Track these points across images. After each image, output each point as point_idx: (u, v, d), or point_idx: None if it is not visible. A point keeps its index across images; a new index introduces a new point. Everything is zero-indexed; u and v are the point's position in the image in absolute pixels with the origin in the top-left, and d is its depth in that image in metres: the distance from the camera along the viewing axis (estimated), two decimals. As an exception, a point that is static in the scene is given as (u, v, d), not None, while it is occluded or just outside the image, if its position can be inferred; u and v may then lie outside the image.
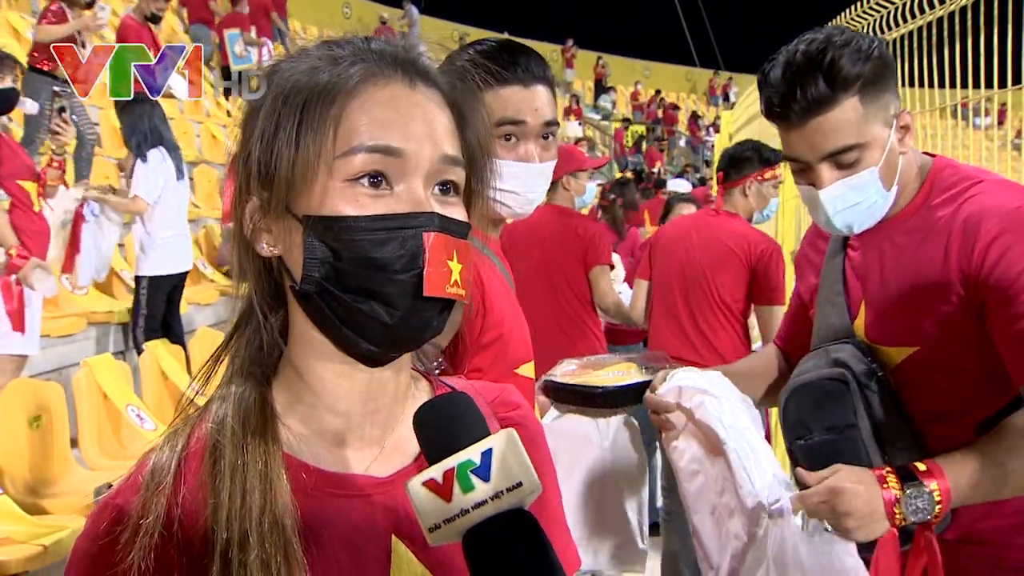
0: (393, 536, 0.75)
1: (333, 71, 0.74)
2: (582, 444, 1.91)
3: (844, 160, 1.38)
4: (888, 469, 1.32)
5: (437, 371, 0.91)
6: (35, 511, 3.42)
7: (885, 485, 1.30)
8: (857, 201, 1.40)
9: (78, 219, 4.86)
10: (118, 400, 4.18)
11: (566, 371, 1.81)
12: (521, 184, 1.44)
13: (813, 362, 1.54)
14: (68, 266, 4.93)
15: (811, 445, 1.46)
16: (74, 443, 4.05)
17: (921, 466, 1.30)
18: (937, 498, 1.28)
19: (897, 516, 1.29)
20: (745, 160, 3.33)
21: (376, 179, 0.72)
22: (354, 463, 0.77)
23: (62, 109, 4.17)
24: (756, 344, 3.36)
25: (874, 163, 1.38)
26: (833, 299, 1.55)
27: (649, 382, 1.73)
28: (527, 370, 1.50)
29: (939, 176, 1.43)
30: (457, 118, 0.78)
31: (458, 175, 0.76)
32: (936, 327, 1.37)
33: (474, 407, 0.67)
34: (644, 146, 19.62)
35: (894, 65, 1.42)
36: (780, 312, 3.09)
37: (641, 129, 22.02)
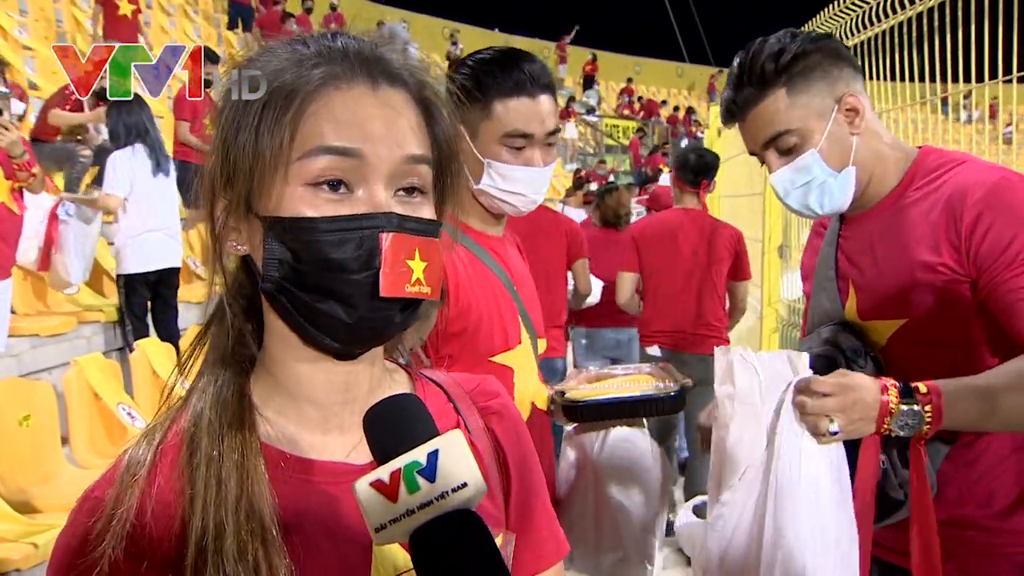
0: None
1: (296, 72, 0.74)
2: (582, 455, 1.89)
3: (782, 145, 1.52)
4: (892, 382, 1.34)
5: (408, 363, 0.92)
6: (26, 510, 3.42)
7: (886, 394, 1.33)
8: (805, 181, 1.52)
9: (52, 220, 4.84)
10: (109, 399, 4.18)
11: (580, 379, 1.82)
12: (526, 186, 1.56)
13: (807, 345, 1.60)
14: (44, 265, 4.92)
15: None
16: (65, 442, 4.05)
17: (923, 387, 1.33)
18: (927, 418, 1.32)
19: (885, 425, 1.33)
20: (716, 168, 4.17)
21: (335, 184, 0.72)
22: (334, 451, 0.78)
23: None
24: None
25: (814, 146, 1.50)
26: (825, 284, 1.62)
27: (627, 397, 1.73)
28: (506, 358, 1.57)
29: (924, 161, 1.51)
30: (425, 115, 0.78)
31: (423, 174, 0.76)
32: (923, 298, 1.44)
33: (423, 407, 0.67)
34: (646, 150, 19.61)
35: (837, 54, 1.52)
36: (746, 285, 4.09)
37: (635, 125, 22.04)
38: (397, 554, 0.76)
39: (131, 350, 4.85)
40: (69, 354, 4.68)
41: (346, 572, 0.75)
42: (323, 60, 0.75)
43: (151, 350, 4.73)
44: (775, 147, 1.52)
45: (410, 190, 0.75)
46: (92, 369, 4.23)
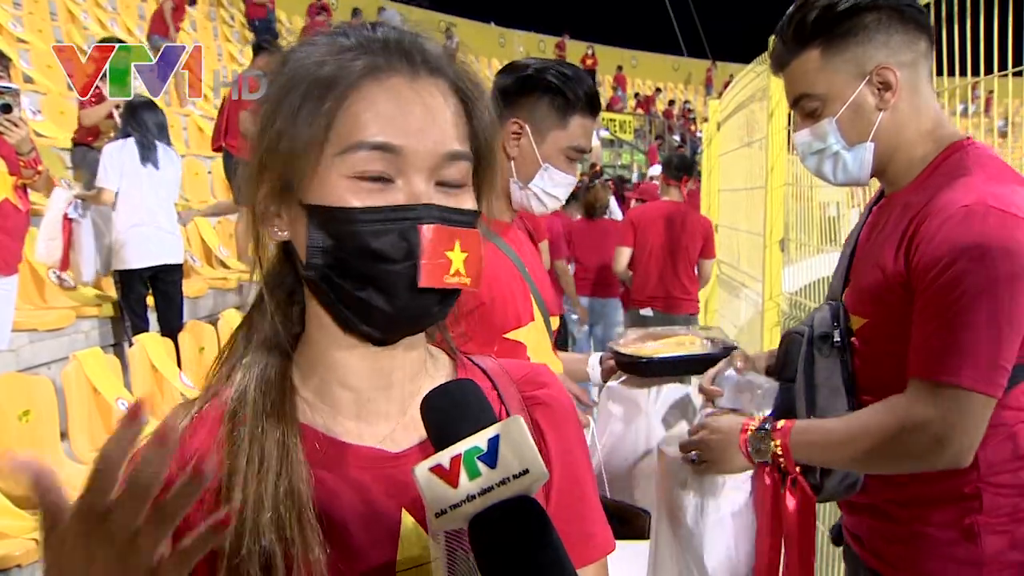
0: (403, 509, 0.77)
1: (337, 63, 0.74)
2: (632, 409, 2.01)
3: (805, 108, 1.49)
4: (756, 420, 1.52)
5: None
6: (27, 505, 3.42)
7: (744, 431, 1.51)
8: (819, 148, 1.49)
9: (65, 219, 4.87)
10: (108, 393, 4.17)
11: (629, 339, 1.96)
12: (564, 192, 1.76)
13: (810, 315, 1.63)
14: (65, 264, 4.97)
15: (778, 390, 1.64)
16: (64, 436, 4.05)
17: (779, 424, 1.48)
18: (776, 449, 1.47)
19: (747, 448, 1.51)
20: (694, 166, 5.75)
21: (376, 175, 0.73)
22: (367, 437, 0.79)
23: (6, 108, 3.89)
24: None
25: (832, 114, 1.45)
26: (841, 263, 1.62)
27: (694, 355, 1.86)
28: (519, 335, 1.71)
29: (946, 160, 1.44)
30: (465, 106, 0.79)
31: (462, 168, 0.77)
32: (880, 303, 1.44)
33: (481, 393, 0.68)
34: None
35: (899, 16, 1.42)
36: (712, 263, 5.41)
37: (632, 120, 22.01)
38: (423, 539, 0.77)
39: (130, 344, 4.86)
40: (68, 349, 4.67)
41: (373, 556, 0.76)
42: (363, 51, 0.75)
43: (150, 345, 4.73)
44: (800, 107, 1.50)
45: (451, 180, 0.76)
46: (91, 364, 4.22)
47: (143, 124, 5.10)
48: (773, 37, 1.54)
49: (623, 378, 2.05)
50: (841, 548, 1.71)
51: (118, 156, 5.00)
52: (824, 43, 1.43)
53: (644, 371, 1.88)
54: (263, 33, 14.06)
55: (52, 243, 4.78)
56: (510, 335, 1.70)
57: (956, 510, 1.40)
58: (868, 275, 1.48)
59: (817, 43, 1.43)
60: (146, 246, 5.05)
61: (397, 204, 0.72)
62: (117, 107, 5.84)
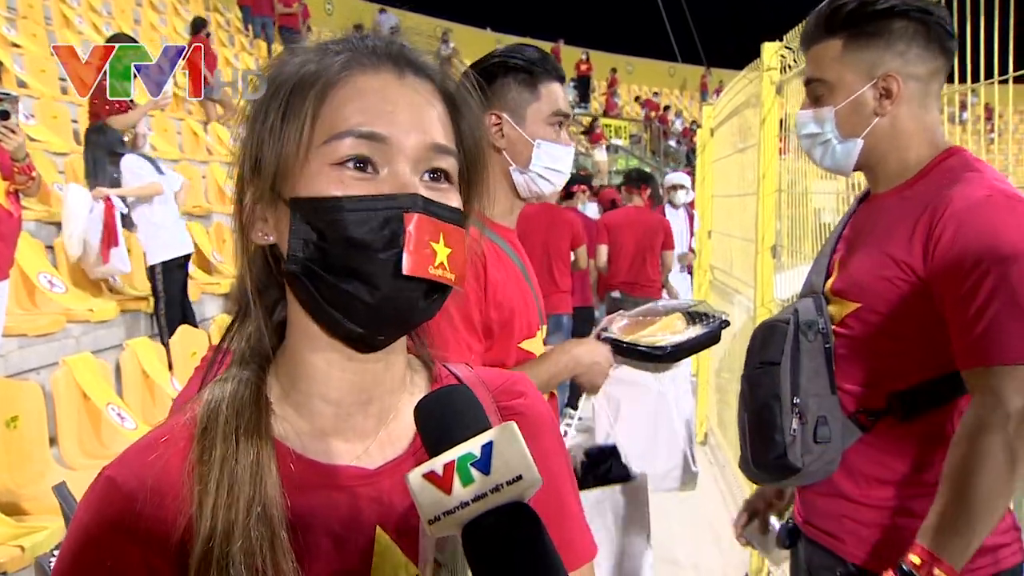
0: (377, 527, 0.76)
1: (320, 61, 0.75)
2: (640, 390, 2.04)
3: (813, 91, 1.56)
4: (890, 572, 1.36)
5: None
6: (14, 512, 3.40)
7: None
8: (814, 132, 1.57)
9: (111, 213, 5.23)
10: (98, 399, 4.15)
11: (621, 326, 1.95)
12: (564, 164, 1.73)
13: (779, 315, 1.68)
14: (106, 257, 5.27)
15: (748, 375, 1.64)
16: (53, 443, 4.02)
17: (916, 559, 1.33)
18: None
19: None
20: (651, 179, 7.13)
21: (361, 163, 0.72)
22: (344, 454, 0.78)
23: (4, 114, 3.90)
24: None
25: (834, 104, 1.52)
26: (821, 260, 1.67)
27: (702, 335, 1.88)
28: (529, 344, 1.69)
29: (943, 163, 1.50)
30: (451, 109, 0.78)
31: (449, 163, 0.76)
32: (881, 289, 1.48)
33: (474, 400, 0.67)
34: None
35: (924, 32, 1.47)
36: (671, 253, 6.68)
37: (628, 125, 22.04)
38: (397, 557, 0.76)
39: (167, 338, 5.24)
40: (58, 354, 4.64)
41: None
42: (347, 50, 0.76)
43: (141, 350, 4.70)
44: (810, 88, 1.57)
45: (436, 176, 0.75)
46: (81, 369, 4.20)
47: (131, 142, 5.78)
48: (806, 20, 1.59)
49: (614, 366, 2.05)
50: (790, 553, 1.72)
51: (139, 163, 5.66)
52: (848, 36, 1.49)
53: (665, 360, 1.90)
54: (289, 37, 14.17)
55: (74, 239, 5.15)
56: (523, 344, 1.68)
57: None
58: (865, 263, 1.52)
59: (842, 34, 1.50)
60: (181, 237, 5.85)
61: (382, 193, 0.71)
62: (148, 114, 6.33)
